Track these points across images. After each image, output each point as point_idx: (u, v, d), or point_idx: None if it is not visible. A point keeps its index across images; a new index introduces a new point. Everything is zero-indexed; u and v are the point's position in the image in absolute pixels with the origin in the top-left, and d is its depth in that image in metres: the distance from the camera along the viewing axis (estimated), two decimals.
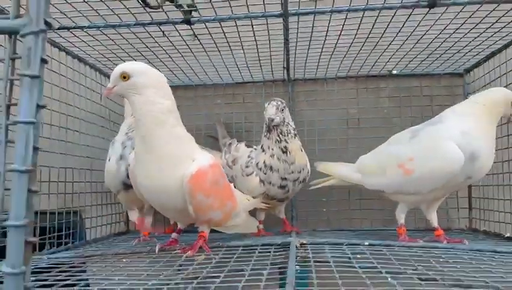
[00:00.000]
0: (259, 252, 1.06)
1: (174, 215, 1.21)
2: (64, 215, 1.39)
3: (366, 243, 1.13)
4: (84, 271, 1.12)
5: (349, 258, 0.97)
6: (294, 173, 1.39)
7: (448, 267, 0.90)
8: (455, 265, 0.92)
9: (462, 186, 1.29)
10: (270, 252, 1.07)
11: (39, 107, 0.54)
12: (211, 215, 1.09)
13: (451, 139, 1.18)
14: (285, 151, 1.37)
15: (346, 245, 1.12)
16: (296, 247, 1.10)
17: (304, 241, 1.15)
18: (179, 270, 0.97)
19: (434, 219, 1.30)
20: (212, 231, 1.32)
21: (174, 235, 1.18)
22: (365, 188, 1.38)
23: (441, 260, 0.98)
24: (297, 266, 0.91)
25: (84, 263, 1.14)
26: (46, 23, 0.54)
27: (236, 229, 1.44)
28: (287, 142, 1.37)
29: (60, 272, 0.98)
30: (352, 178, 1.40)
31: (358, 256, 0.99)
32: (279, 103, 1.36)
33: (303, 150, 1.43)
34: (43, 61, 0.55)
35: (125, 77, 0.97)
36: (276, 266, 0.96)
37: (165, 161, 1.00)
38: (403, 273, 0.84)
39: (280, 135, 1.37)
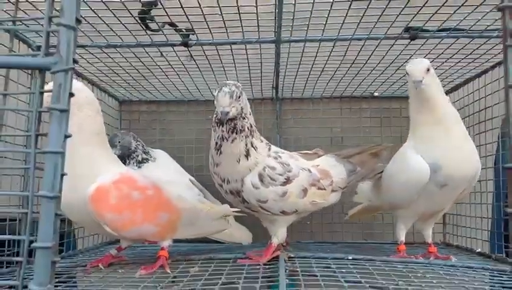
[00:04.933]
0: (249, 265, 1.10)
1: (105, 234, 1.19)
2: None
3: (350, 257, 1.18)
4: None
5: (335, 272, 1.02)
6: (225, 182, 1.15)
7: (426, 283, 0.96)
8: (432, 280, 0.99)
9: (449, 197, 1.26)
10: (260, 265, 1.11)
11: (66, 137, 0.57)
12: (139, 231, 1.07)
13: (416, 151, 1.20)
14: (218, 149, 1.12)
15: (331, 259, 1.17)
16: (284, 260, 1.14)
17: (292, 255, 1.19)
18: (173, 282, 1.00)
19: (428, 235, 1.33)
20: (207, 241, 1.35)
21: (112, 251, 1.18)
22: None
23: (419, 275, 1.04)
24: (286, 280, 0.95)
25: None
26: (74, 60, 0.58)
27: (228, 238, 1.45)
28: (229, 140, 1.10)
29: (59, 282, 1.00)
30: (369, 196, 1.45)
31: (343, 270, 1.04)
32: (234, 88, 1.06)
33: (258, 162, 1.13)
34: (71, 95, 0.58)
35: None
36: (267, 279, 1.00)
37: (75, 181, 0.95)
38: (385, 288, 0.90)
39: (229, 132, 1.09)
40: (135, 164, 1.56)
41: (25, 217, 0.59)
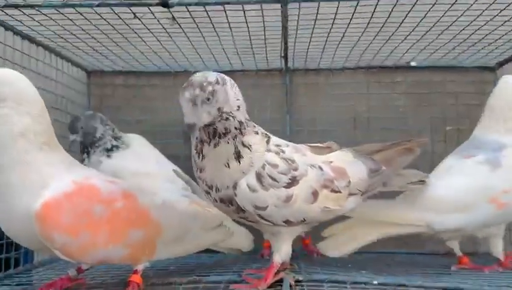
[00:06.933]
0: None
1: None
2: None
3: (375, 282, 1.03)
4: None
5: None
6: (214, 189, 0.96)
7: None
8: None
9: None
10: None
11: None
12: (102, 255, 0.93)
13: None
14: (199, 152, 0.94)
15: (350, 284, 1.01)
16: (290, 286, 1.00)
17: (300, 278, 1.05)
18: None
19: (499, 249, 1.24)
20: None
21: (71, 272, 1.03)
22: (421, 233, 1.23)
23: None
24: None
25: None
26: None
27: (224, 244, 1.29)
28: (210, 145, 0.92)
29: None
30: (412, 219, 1.20)
31: None
32: (198, 91, 0.86)
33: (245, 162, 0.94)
34: None
35: None
36: None
37: (12, 192, 0.87)
38: None
39: (209, 136, 0.92)
40: (102, 152, 1.39)
41: None
